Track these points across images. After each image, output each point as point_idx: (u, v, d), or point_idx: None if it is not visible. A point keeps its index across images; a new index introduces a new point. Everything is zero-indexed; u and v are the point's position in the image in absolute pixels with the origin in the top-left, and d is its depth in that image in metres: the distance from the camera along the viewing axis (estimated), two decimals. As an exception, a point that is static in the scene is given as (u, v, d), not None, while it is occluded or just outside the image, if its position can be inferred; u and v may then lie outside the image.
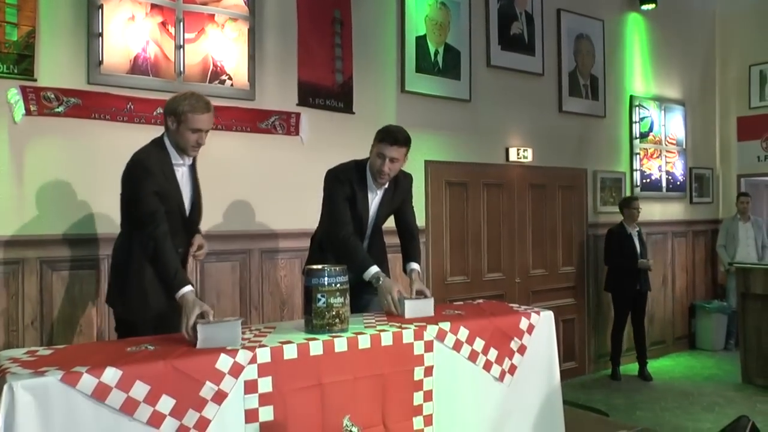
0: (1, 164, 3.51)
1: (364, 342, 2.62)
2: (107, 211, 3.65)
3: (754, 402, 5.48)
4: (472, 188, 5.66)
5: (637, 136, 7.15)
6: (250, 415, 2.33)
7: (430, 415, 2.77)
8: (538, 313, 3.20)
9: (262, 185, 4.37)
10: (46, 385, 1.99)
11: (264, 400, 2.35)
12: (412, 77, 5.19)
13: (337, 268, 2.73)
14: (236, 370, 2.30)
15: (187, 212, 3.05)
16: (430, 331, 2.80)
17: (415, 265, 3.50)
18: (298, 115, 4.53)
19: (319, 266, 2.75)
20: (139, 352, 2.31)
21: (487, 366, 2.95)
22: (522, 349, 3.08)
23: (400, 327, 2.77)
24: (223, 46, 4.21)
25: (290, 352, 2.43)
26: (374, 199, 3.42)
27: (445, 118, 5.43)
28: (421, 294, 3.27)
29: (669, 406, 5.45)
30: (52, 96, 3.62)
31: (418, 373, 2.75)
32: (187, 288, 2.62)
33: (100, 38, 3.77)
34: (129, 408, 2.10)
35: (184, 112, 2.88)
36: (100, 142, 3.75)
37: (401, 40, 5.15)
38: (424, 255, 5.22)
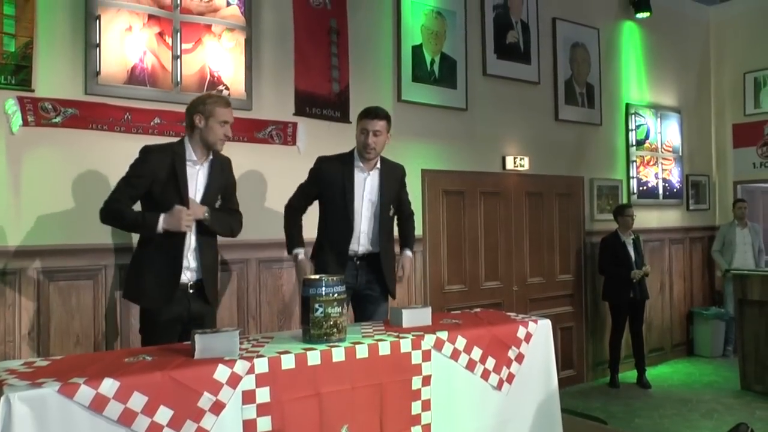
0: (-1, 175, 3.52)
1: (361, 351, 2.62)
2: (105, 221, 3.64)
3: (753, 409, 5.48)
4: (469, 197, 5.67)
5: (634, 143, 7.18)
6: (248, 426, 2.32)
7: (428, 425, 2.77)
8: (535, 321, 3.21)
9: (259, 195, 4.37)
10: (43, 397, 1.99)
11: (262, 410, 2.35)
12: (408, 86, 5.21)
13: (335, 278, 2.73)
14: (234, 381, 2.30)
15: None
16: (428, 341, 2.80)
17: (408, 252, 3.85)
18: (294, 124, 4.54)
19: (317, 276, 2.76)
20: (136, 363, 2.30)
21: (485, 375, 2.95)
22: (520, 358, 3.08)
23: (397, 336, 2.77)
24: (220, 56, 4.22)
25: (288, 362, 2.43)
26: (366, 179, 3.63)
27: (442, 127, 5.45)
28: (399, 278, 3.73)
29: (668, 413, 5.45)
30: (50, 106, 3.62)
31: (416, 382, 2.75)
32: (160, 219, 2.98)
33: (98, 49, 3.78)
34: (127, 419, 2.09)
35: (211, 107, 3.15)
36: (98, 153, 3.76)
37: (397, 49, 5.18)
38: (420, 264, 5.24)
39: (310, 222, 3.79)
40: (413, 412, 2.73)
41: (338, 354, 2.56)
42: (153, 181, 3.08)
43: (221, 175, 3.30)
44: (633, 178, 7.15)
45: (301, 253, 3.60)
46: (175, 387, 2.19)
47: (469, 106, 5.62)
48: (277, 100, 4.49)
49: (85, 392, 2.04)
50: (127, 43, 3.88)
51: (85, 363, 2.35)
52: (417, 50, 5.29)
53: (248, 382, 2.33)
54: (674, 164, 7.70)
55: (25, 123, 3.56)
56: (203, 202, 3.19)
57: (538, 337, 3.18)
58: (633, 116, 7.18)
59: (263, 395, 2.35)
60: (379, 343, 2.68)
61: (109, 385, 2.08)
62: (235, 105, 4.22)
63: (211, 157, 3.25)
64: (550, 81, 6.37)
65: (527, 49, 6.13)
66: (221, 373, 2.28)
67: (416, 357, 2.75)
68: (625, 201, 6.98)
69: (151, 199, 3.12)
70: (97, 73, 3.78)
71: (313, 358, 2.49)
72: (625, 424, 5.14)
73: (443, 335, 2.85)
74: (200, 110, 3.14)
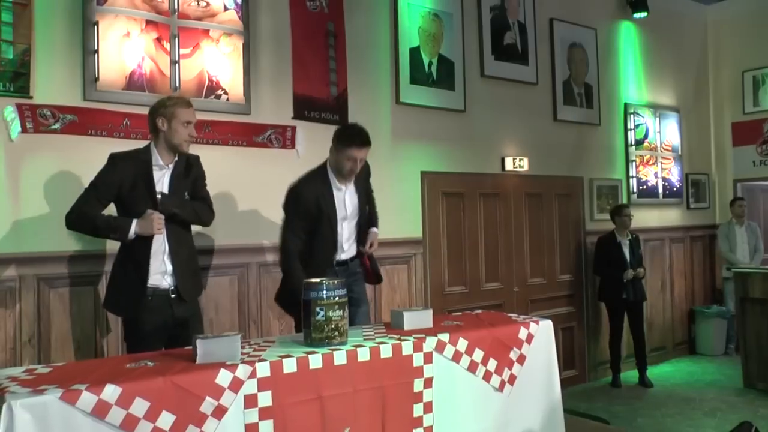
0: (-2, 182, 3.52)
1: (363, 354, 2.62)
2: (104, 227, 3.64)
3: (757, 407, 5.47)
4: (468, 198, 5.67)
5: (633, 143, 7.18)
6: (251, 430, 2.32)
7: (430, 427, 2.77)
8: (537, 322, 3.20)
9: (258, 199, 4.37)
10: (45, 404, 1.99)
11: (264, 414, 2.35)
12: (406, 89, 5.21)
13: (336, 282, 2.73)
14: (236, 385, 2.30)
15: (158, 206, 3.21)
16: (429, 343, 2.80)
17: (374, 229, 3.82)
18: (293, 128, 4.54)
19: (318, 280, 2.76)
20: (138, 369, 2.30)
21: (487, 376, 2.95)
22: (521, 359, 3.08)
23: (399, 339, 2.77)
24: (218, 61, 4.23)
25: (290, 366, 2.43)
26: (344, 196, 3.61)
27: (441, 128, 5.45)
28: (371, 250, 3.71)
29: (670, 412, 5.44)
30: (48, 113, 3.63)
31: (418, 384, 2.74)
32: (133, 224, 3.04)
33: (96, 55, 3.78)
34: (129, 425, 2.09)
35: (172, 109, 3.15)
36: (97, 159, 3.72)
37: (395, 51, 5.18)
38: (421, 266, 5.24)
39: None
40: (415, 415, 2.73)
41: (340, 357, 2.55)
42: (120, 188, 3.12)
43: (187, 173, 3.31)
44: (632, 177, 7.16)
45: None
46: (177, 392, 2.19)
47: (468, 107, 5.62)
48: (276, 104, 4.49)
49: (87, 398, 2.04)
50: (125, 49, 3.88)
51: (86, 369, 2.35)
52: (414, 52, 5.29)
53: (250, 386, 2.33)
54: (674, 163, 7.70)
55: (24, 130, 3.56)
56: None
57: (540, 338, 3.17)
58: (632, 116, 7.19)
59: (265, 399, 2.36)
60: (381, 345, 2.68)
61: (111, 391, 2.08)
62: (233, 109, 4.26)
63: (176, 158, 3.26)
64: (548, 82, 6.37)
65: (525, 50, 6.14)
66: (223, 377, 2.28)
67: (418, 359, 2.75)
68: (624, 200, 6.99)
69: (121, 205, 3.17)
70: (96, 79, 3.78)
71: (315, 361, 2.49)
72: (628, 424, 5.14)
73: (445, 337, 2.85)
74: (162, 113, 3.15)
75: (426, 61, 5.37)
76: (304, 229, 3.54)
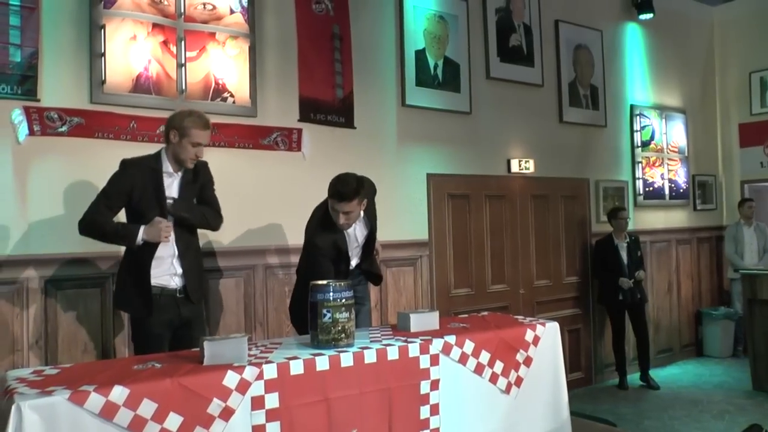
0: (5, 184, 3.53)
1: (370, 356, 2.62)
2: (111, 229, 3.65)
3: (766, 409, 5.44)
4: (474, 200, 5.66)
5: (639, 144, 7.16)
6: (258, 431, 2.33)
7: (437, 429, 2.76)
8: (543, 324, 3.20)
9: (264, 201, 4.38)
10: (53, 405, 2.00)
11: (271, 415, 2.35)
12: (412, 91, 5.21)
13: (343, 284, 2.73)
14: (243, 387, 2.30)
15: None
16: (436, 345, 2.80)
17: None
18: (299, 130, 4.55)
19: (324, 282, 2.76)
20: (145, 370, 2.31)
21: (494, 378, 2.94)
22: (528, 361, 3.07)
23: (405, 341, 2.77)
24: (224, 64, 4.24)
25: (297, 368, 2.43)
26: (355, 231, 3.64)
27: (446, 130, 5.45)
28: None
29: (677, 414, 5.42)
30: (56, 116, 3.64)
31: (425, 386, 2.74)
32: (140, 230, 3.07)
33: (103, 58, 3.80)
34: (137, 426, 2.10)
35: (187, 127, 3.14)
36: (104, 161, 3.75)
37: (401, 54, 5.18)
38: (427, 268, 5.24)
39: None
40: (422, 417, 2.73)
41: (347, 359, 2.56)
42: (131, 194, 3.15)
43: (195, 179, 3.35)
44: (639, 179, 7.14)
45: None
46: (184, 393, 2.19)
47: (473, 109, 5.62)
48: (282, 107, 4.50)
49: (95, 400, 2.04)
50: (131, 52, 3.89)
51: (94, 371, 2.36)
52: (420, 54, 5.30)
53: (257, 388, 2.33)
54: (680, 165, 7.68)
55: (31, 132, 3.57)
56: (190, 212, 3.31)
57: (546, 340, 3.17)
58: (638, 117, 7.17)
59: (272, 401, 2.36)
60: (388, 347, 2.68)
61: (118, 393, 2.08)
62: (239, 112, 4.27)
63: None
64: (553, 83, 6.36)
65: (530, 52, 6.13)
66: (230, 379, 2.28)
67: (424, 361, 2.75)
68: (631, 202, 6.97)
69: (131, 211, 3.20)
70: (103, 82, 3.80)
71: (322, 363, 2.50)
72: (635, 426, 5.12)
73: (451, 339, 2.84)
74: (176, 126, 3.17)
75: (431, 63, 5.37)
76: (331, 269, 3.49)
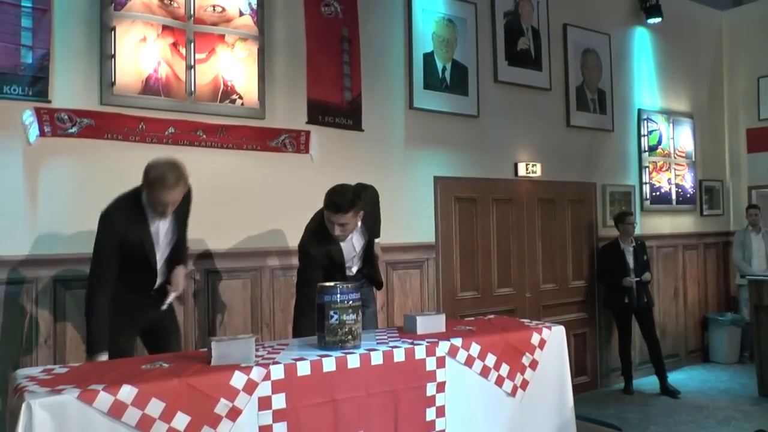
0: (16, 185, 3.56)
1: (376, 358, 2.63)
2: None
3: (771, 416, 5.43)
4: (481, 204, 5.67)
5: (646, 149, 7.15)
6: (264, 432, 2.34)
7: (443, 431, 2.77)
8: (549, 327, 3.20)
9: (272, 203, 4.40)
10: (63, 403, 2.02)
11: (278, 416, 2.37)
12: (420, 94, 5.22)
13: (349, 286, 2.74)
14: (250, 387, 2.32)
15: (159, 263, 3.19)
16: (442, 347, 2.81)
17: (375, 240, 3.82)
18: (307, 133, 4.57)
19: (332, 284, 2.77)
20: (154, 370, 2.33)
21: (499, 381, 2.95)
22: (534, 364, 3.08)
23: (412, 343, 2.78)
24: (233, 66, 4.26)
25: (304, 369, 2.44)
26: (351, 242, 3.58)
27: (454, 134, 5.46)
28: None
29: (683, 420, 5.40)
30: (66, 117, 3.67)
31: (431, 389, 2.75)
32: (100, 356, 2.92)
33: (113, 60, 3.83)
34: (145, 425, 2.12)
35: (153, 187, 2.99)
36: (113, 162, 3.79)
37: (409, 57, 5.20)
38: (433, 271, 5.24)
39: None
40: (428, 419, 2.74)
41: (353, 361, 2.57)
42: (121, 241, 3.03)
43: (179, 212, 3.23)
44: (646, 183, 7.12)
45: None
46: (192, 393, 2.21)
47: (481, 113, 5.63)
48: (290, 109, 4.52)
49: (104, 399, 2.06)
50: (141, 54, 3.92)
51: (102, 370, 2.38)
52: (428, 57, 5.31)
53: (264, 389, 2.35)
54: (687, 170, 7.66)
55: (42, 133, 3.60)
56: (169, 255, 3.27)
57: (552, 344, 3.17)
58: (645, 122, 7.16)
59: (279, 401, 2.37)
60: (394, 349, 2.69)
61: (127, 392, 2.10)
62: (248, 114, 4.29)
63: None
64: (561, 87, 6.37)
65: (538, 56, 6.14)
66: (237, 379, 2.30)
67: (431, 363, 2.76)
68: (638, 207, 6.96)
69: (120, 254, 3.07)
70: (112, 84, 3.82)
71: (329, 364, 2.51)
72: (640, 431, 5.11)
73: (457, 342, 2.85)
74: (145, 182, 3.02)
75: (440, 66, 5.38)
76: (320, 276, 3.41)
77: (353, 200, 3.35)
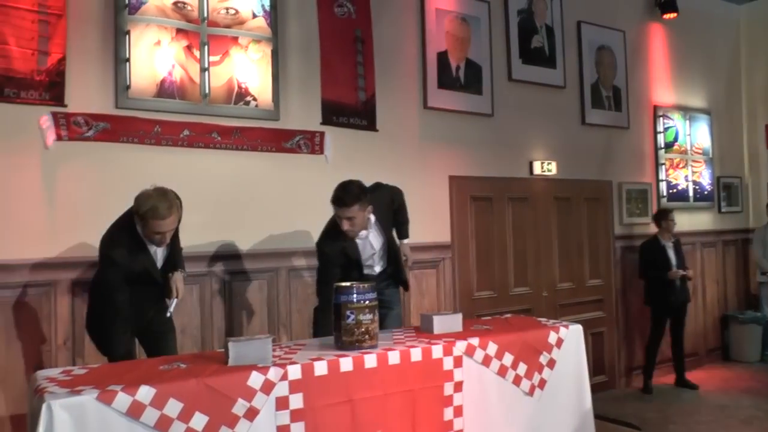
0: (34, 189, 3.59)
1: (393, 358, 2.62)
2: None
3: (794, 415, 5.35)
4: (496, 203, 5.64)
5: (662, 146, 7.08)
6: (282, 432, 2.34)
7: (461, 430, 2.77)
8: (566, 326, 3.19)
9: (287, 204, 4.41)
10: (82, 404, 2.03)
11: (295, 416, 2.37)
12: (434, 93, 5.21)
13: (366, 286, 2.74)
14: (268, 387, 2.32)
15: (160, 278, 3.26)
16: (459, 347, 2.80)
17: (405, 241, 3.97)
18: (322, 133, 4.57)
19: (348, 283, 2.77)
20: (172, 370, 2.34)
21: (517, 380, 2.94)
22: (551, 363, 3.06)
23: (429, 343, 2.78)
24: (247, 68, 4.27)
25: (321, 369, 2.45)
26: (367, 238, 3.61)
27: (468, 133, 5.44)
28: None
29: (704, 419, 5.34)
30: (82, 121, 3.70)
31: (448, 388, 2.74)
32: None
33: (128, 63, 3.85)
34: (163, 425, 2.13)
35: (146, 217, 3.02)
36: (129, 165, 3.82)
37: (422, 56, 5.19)
38: (449, 270, 5.23)
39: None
40: (445, 418, 2.73)
41: (370, 360, 2.57)
42: (126, 275, 3.09)
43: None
44: (662, 181, 7.06)
45: None
46: (209, 394, 2.22)
47: (495, 111, 5.60)
48: (304, 110, 4.52)
49: (123, 399, 2.08)
50: (156, 57, 3.95)
51: (121, 371, 2.39)
52: (442, 57, 5.30)
53: (281, 389, 2.35)
54: (704, 166, 7.58)
55: (59, 138, 3.63)
56: (164, 262, 3.31)
57: (570, 343, 3.16)
58: (661, 119, 7.10)
59: (296, 401, 2.38)
60: (411, 349, 2.69)
61: (145, 392, 2.11)
62: (262, 115, 4.30)
63: None
64: (576, 85, 6.32)
65: (552, 54, 6.10)
66: (255, 379, 2.31)
67: (448, 363, 2.75)
68: (654, 204, 6.90)
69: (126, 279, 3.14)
70: (127, 87, 3.85)
71: (346, 364, 2.51)
72: (660, 431, 5.06)
73: (474, 341, 2.84)
74: (137, 212, 3.05)
75: (453, 65, 5.37)
76: (337, 274, 3.48)
77: (357, 194, 3.39)
